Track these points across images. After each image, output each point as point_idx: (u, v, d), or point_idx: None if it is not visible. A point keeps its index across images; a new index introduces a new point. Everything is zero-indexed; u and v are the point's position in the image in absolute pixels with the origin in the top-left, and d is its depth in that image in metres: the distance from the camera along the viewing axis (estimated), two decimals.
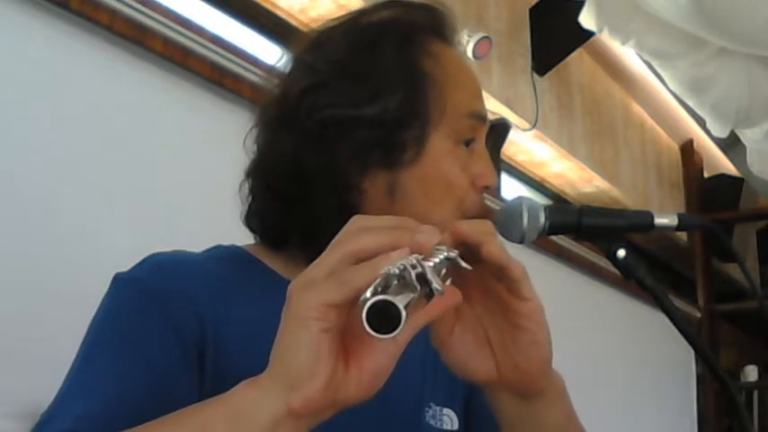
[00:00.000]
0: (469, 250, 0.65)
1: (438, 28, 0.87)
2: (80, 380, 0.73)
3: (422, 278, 0.56)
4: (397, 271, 0.54)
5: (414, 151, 0.81)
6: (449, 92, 0.83)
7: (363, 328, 0.52)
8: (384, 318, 0.52)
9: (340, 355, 0.58)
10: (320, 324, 0.56)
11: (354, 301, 0.56)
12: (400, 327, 0.52)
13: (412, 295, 0.54)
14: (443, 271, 0.61)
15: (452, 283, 0.63)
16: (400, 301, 0.52)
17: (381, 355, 0.58)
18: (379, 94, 0.80)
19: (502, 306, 0.67)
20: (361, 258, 0.58)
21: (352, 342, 0.59)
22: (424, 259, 0.58)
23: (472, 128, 0.84)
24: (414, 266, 0.55)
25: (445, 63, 0.85)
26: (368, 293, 0.54)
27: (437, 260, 0.60)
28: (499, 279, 0.66)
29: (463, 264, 0.63)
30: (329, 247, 0.60)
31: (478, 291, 0.68)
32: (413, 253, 0.58)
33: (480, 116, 0.85)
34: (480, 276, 0.66)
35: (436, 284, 0.56)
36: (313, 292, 0.57)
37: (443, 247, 0.62)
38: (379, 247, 0.58)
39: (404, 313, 0.52)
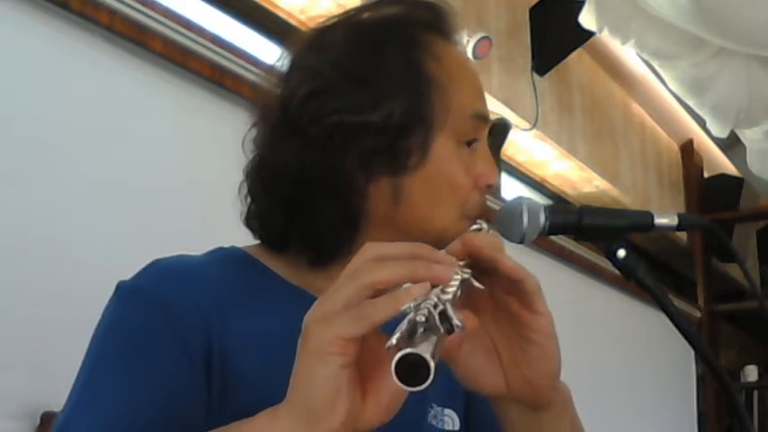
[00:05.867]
0: (479, 263, 0.65)
1: (441, 26, 0.86)
2: (87, 396, 0.72)
3: (443, 315, 0.56)
4: (424, 319, 0.55)
5: (418, 156, 0.80)
6: (452, 94, 0.82)
7: (392, 377, 0.53)
8: (413, 369, 0.52)
9: (357, 385, 0.58)
10: (340, 359, 0.56)
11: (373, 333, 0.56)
12: (429, 379, 0.52)
13: (436, 338, 0.55)
14: (458, 293, 0.61)
15: (463, 298, 0.63)
16: (427, 350, 0.53)
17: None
18: (384, 100, 0.79)
19: (512, 319, 0.66)
20: (378, 290, 0.58)
21: (368, 369, 0.59)
22: (442, 292, 0.58)
23: (475, 128, 0.84)
24: (436, 306, 0.56)
25: (448, 64, 0.84)
26: (393, 340, 0.54)
27: (454, 288, 0.60)
28: (512, 293, 0.66)
29: (476, 284, 0.63)
30: (343, 276, 0.60)
31: (488, 304, 0.68)
32: (432, 285, 0.58)
33: (483, 116, 0.85)
34: (490, 290, 0.66)
35: (458, 321, 0.56)
36: (332, 327, 0.57)
37: (456, 267, 0.62)
38: (398, 280, 0.58)
39: (432, 366, 0.52)
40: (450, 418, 0.88)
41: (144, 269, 0.79)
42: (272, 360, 0.69)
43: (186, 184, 1.82)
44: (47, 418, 1.43)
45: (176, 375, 0.72)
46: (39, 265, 1.52)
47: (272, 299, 0.81)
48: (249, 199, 0.85)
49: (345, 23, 0.85)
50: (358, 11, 0.86)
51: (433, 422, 0.87)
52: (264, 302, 0.80)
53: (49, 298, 1.50)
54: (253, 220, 0.85)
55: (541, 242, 3.14)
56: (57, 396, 0.74)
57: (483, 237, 0.66)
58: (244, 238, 0.87)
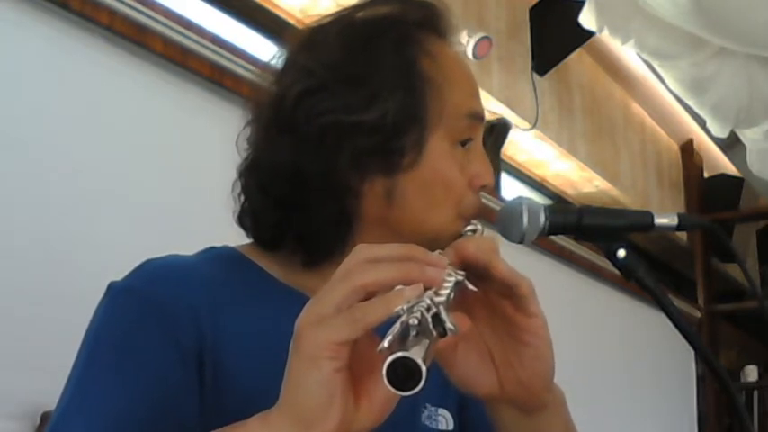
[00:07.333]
0: (473, 267, 0.64)
1: (435, 25, 0.86)
2: (79, 397, 0.71)
3: (436, 318, 0.56)
4: (416, 321, 0.54)
5: (412, 156, 0.79)
6: (447, 93, 0.81)
7: (383, 381, 0.52)
8: (404, 373, 0.52)
9: (350, 388, 0.58)
10: (333, 363, 0.56)
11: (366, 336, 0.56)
12: (421, 384, 0.52)
13: (428, 341, 0.54)
14: (451, 296, 0.60)
15: (456, 300, 0.62)
16: (418, 354, 0.52)
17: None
18: (379, 99, 0.78)
19: (506, 322, 0.66)
20: (370, 292, 0.58)
21: (361, 372, 0.59)
22: (435, 294, 0.57)
23: (470, 128, 0.83)
24: (428, 308, 0.55)
25: (443, 62, 0.83)
26: (385, 343, 0.54)
27: (448, 290, 0.59)
28: (505, 296, 0.65)
29: (470, 286, 0.63)
30: (335, 278, 0.59)
31: (481, 306, 0.68)
32: (425, 287, 0.57)
33: (478, 116, 0.84)
34: (483, 292, 0.66)
35: (450, 325, 0.56)
36: (324, 331, 0.56)
37: (449, 269, 0.62)
38: (390, 282, 0.58)
39: (424, 370, 0.52)
40: (444, 418, 0.88)
41: (135, 269, 0.79)
42: (265, 359, 0.68)
43: (186, 183, 1.82)
44: (47, 418, 1.43)
45: (168, 375, 0.72)
46: (39, 265, 1.52)
47: (265, 298, 0.81)
48: (242, 198, 0.85)
49: (339, 22, 0.85)
50: (352, 10, 0.86)
51: (427, 422, 0.86)
52: (257, 302, 0.80)
53: (49, 298, 1.50)
54: (246, 219, 0.85)
55: (541, 242, 3.14)
56: (56, 396, 0.73)
57: (476, 242, 0.66)
58: (243, 239, 0.87)
